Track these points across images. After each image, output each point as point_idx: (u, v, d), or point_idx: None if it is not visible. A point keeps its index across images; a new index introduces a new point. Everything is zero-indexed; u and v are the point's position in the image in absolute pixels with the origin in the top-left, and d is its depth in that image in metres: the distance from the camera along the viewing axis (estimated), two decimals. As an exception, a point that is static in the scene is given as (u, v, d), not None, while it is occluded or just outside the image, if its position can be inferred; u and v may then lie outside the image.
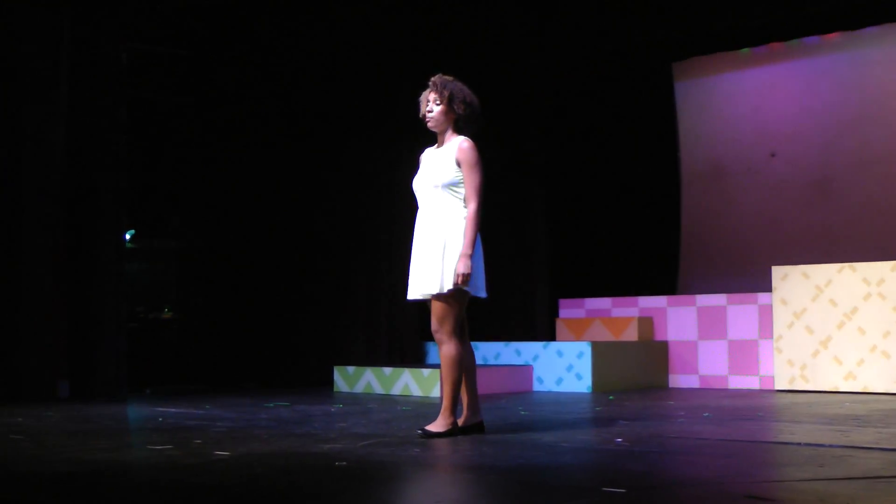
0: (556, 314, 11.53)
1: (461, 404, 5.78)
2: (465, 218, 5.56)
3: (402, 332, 10.78)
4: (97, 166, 9.12)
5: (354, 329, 10.67)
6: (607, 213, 12.23)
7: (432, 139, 5.86)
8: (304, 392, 9.41)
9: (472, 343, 10.37)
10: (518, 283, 11.77)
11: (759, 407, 7.77)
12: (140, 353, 10.28)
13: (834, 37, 11.07)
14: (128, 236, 10.52)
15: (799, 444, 5.22)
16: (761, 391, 9.61)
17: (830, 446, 5.05)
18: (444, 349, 5.57)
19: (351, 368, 9.82)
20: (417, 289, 5.60)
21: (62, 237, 8.85)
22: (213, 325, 10.99)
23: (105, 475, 4.26)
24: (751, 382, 9.98)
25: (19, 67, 8.72)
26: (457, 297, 5.53)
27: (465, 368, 5.68)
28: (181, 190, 11.29)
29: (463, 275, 5.45)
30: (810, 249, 10.51)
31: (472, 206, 5.56)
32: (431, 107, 5.69)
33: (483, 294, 5.63)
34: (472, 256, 5.50)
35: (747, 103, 11.54)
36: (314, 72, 10.78)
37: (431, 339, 10.78)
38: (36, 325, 8.62)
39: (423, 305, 5.85)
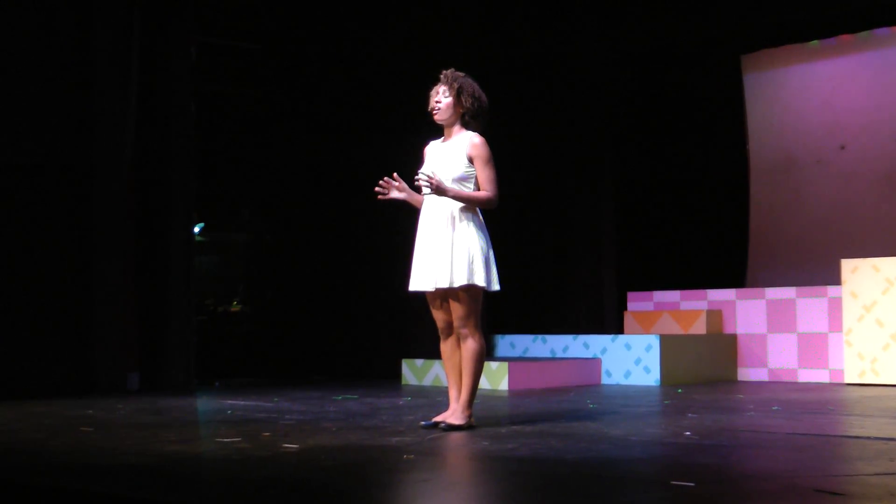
0: (624, 307, 11.47)
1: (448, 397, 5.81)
2: (471, 212, 5.60)
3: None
4: (167, 160, 9.21)
5: (423, 321, 10.68)
6: (676, 206, 12.14)
7: (438, 132, 5.86)
8: (373, 385, 9.42)
9: (542, 336, 10.50)
10: (586, 276, 11.71)
11: (828, 400, 7.69)
12: (209, 346, 10.38)
13: (904, 28, 10.88)
14: (197, 229, 10.63)
15: (869, 437, 5.16)
16: (831, 385, 9.49)
17: (902, 440, 4.99)
18: (469, 343, 5.59)
19: (420, 361, 9.85)
20: (428, 281, 5.60)
21: (133, 231, 8.96)
22: (281, 318, 11.06)
23: (174, 467, 4.30)
24: (820, 376, 9.86)
25: (91, 62, 8.81)
26: (472, 291, 5.55)
27: (461, 363, 5.71)
28: (250, 183, 11.37)
29: (437, 184, 5.45)
30: (880, 242, 10.35)
31: (489, 194, 5.60)
32: (440, 98, 5.70)
33: (497, 287, 5.62)
34: (457, 197, 5.52)
35: (817, 96, 11.39)
36: (385, 62, 10.79)
37: (500, 332, 10.84)
38: (107, 318, 8.72)
39: (432, 299, 5.80)
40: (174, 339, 9.08)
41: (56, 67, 8.70)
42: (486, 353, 10.52)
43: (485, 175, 5.60)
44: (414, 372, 9.85)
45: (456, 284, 5.50)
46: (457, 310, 5.57)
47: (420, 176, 5.53)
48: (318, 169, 11.00)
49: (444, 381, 9.51)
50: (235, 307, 11.79)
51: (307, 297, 10.93)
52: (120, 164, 8.87)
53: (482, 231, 5.63)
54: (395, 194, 5.79)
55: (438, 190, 5.47)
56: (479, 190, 5.64)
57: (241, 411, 6.80)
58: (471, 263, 5.50)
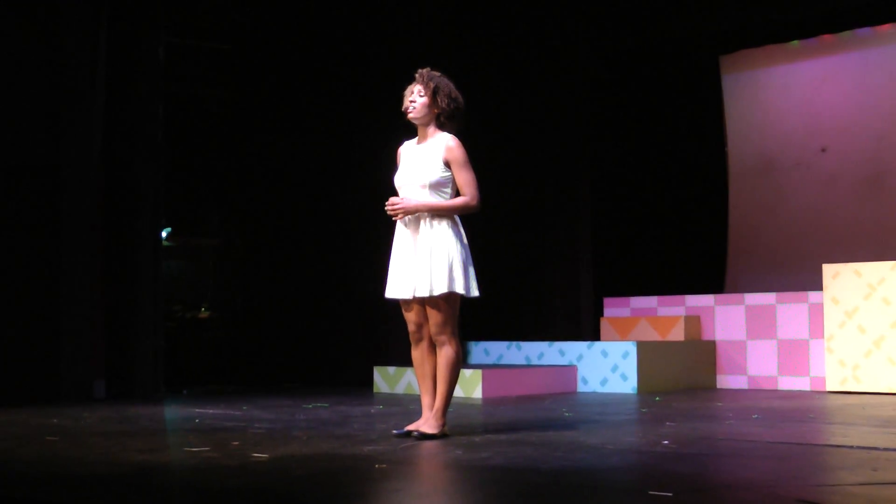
0: (600, 313, 11.42)
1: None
2: (451, 219, 5.53)
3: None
4: (134, 163, 9.15)
5: (395, 328, 10.60)
6: (653, 210, 12.13)
7: (413, 133, 5.77)
8: (344, 393, 9.39)
9: (516, 343, 10.42)
10: (562, 282, 11.67)
11: (810, 408, 7.66)
12: (177, 353, 10.32)
13: (886, 28, 10.90)
14: (165, 234, 10.55)
15: (852, 447, 5.11)
16: (812, 392, 9.46)
17: (885, 449, 4.95)
18: (445, 350, 5.54)
19: (392, 369, 9.76)
20: (407, 290, 5.53)
21: (99, 235, 8.89)
22: (251, 325, 11.00)
23: (142, 477, 4.27)
24: (801, 383, 9.80)
25: (57, 63, 8.75)
26: (451, 299, 5.49)
27: (433, 370, 5.67)
28: (219, 187, 11.30)
29: (406, 209, 5.39)
30: (862, 246, 10.33)
31: (468, 199, 5.51)
32: (415, 97, 5.63)
33: (476, 293, 5.56)
34: (434, 210, 5.43)
35: (797, 97, 11.39)
36: (359, 62, 10.70)
37: (473, 339, 10.75)
38: (73, 324, 8.68)
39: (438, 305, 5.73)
40: (141, 346, 9.03)
41: (22, 69, 8.66)
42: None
43: (462, 178, 5.53)
44: (386, 379, 9.75)
45: (436, 293, 5.44)
46: (435, 317, 5.52)
47: (387, 208, 5.46)
48: (289, 172, 10.93)
49: (416, 389, 9.40)
50: (204, 313, 11.73)
51: (277, 304, 10.86)
52: (87, 168, 8.83)
53: (460, 237, 5.57)
54: (406, 212, 5.59)
55: (413, 211, 5.40)
56: (457, 194, 5.56)
57: (210, 420, 6.76)
58: (450, 270, 5.45)
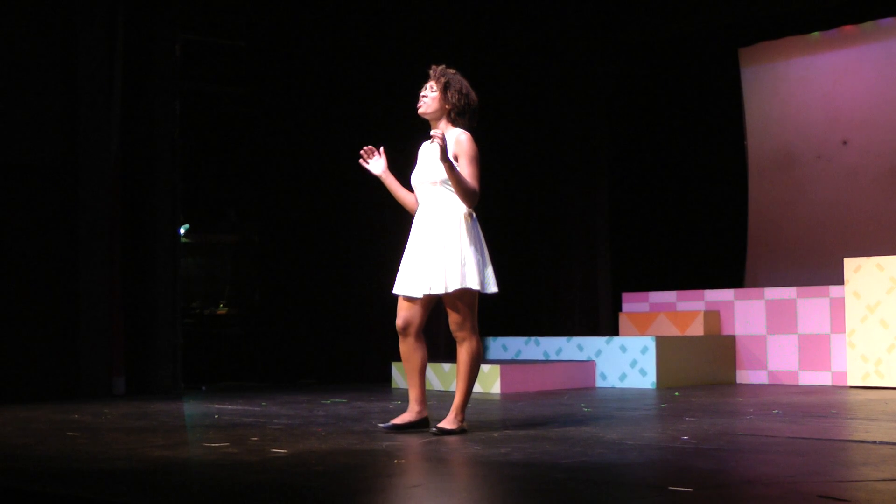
0: (619, 308, 11.37)
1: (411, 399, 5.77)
2: (464, 214, 5.51)
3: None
4: (152, 160, 9.16)
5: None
6: (672, 204, 12.07)
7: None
8: (362, 388, 9.38)
9: (535, 338, 10.39)
10: (580, 277, 11.64)
11: (831, 404, 7.60)
12: (196, 349, 10.33)
13: (910, 18, 10.76)
14: (183, 231, 10.56)
15: (875, 442, 5.08)
16: (833, 387, 9.38)
17: (910, 444, 4.90)
18: (466, 346, 5.56)
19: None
20: (419, 287, 5.53)
21: (118, 232, 8.90)
22: (269, 321, 10.99)
23: (162, 473, 4.29)
24: (822, 378, 9.73)
25: (73, 60, 8.75)
26: (467, 295, 5.49)
27: (421, 364, 5.73)
28: (237, 183, 11.30)
29: (442, 145, 5.31)
30: (884, 240, 10.25)
31: (474, 186, 5.50)
32: (427, 92, 5.65)
33: (493, 289, 5.57)
34: (450, 170, 5.39)
35: (818, 89, 11.28)
36: (376, 60, 10.68)
37: (491, 335, 10.73)
38: (92, 321, 8.67)
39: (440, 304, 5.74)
40: (160, 343, 9.03)
41: (39, 67, 8.66)
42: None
43: (467, 172, 5.51)
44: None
45: (450, 289, 5.44)
46: (452, 314, 5.53)
47: (434, 132, 5.38)
48: (306, 169, 10.91)
49: (435, 385, 9.40)
50: (222, 310, 11.74)
51: (295, 300, 10.85)
52: (104, 165, 8.83)
53: (476, 233, 5.57)
54: (373, 167, 5.80)
55: (442, 152, 5.32)
56: None
57: (229, 416, 6.77)
58: (463, 266, 5.44)
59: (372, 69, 10.69)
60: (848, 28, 11.10)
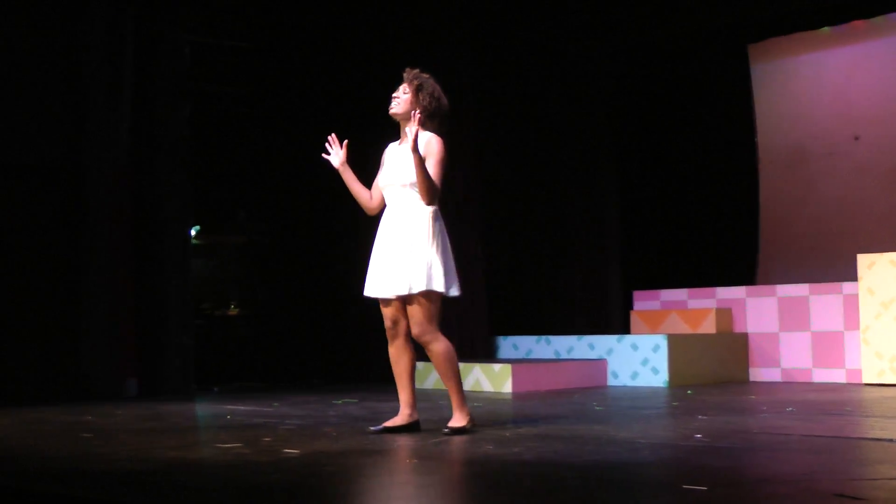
0: (630, 306, 11.35)
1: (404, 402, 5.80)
2: (431, 217, 5.51)
3: (472, 326, 10.66)
4: (161, 162, 9.16)
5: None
6: (682, 202, 12.03)
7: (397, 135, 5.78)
8: (373, 388, 9.34)
9: (545, 337, 10.37)
10: (590, 275, 11.61)
11: (845, 401, 7.56)
12: (207, 351, 10.34)
13: (921, 11, 10.71)
14: (193, 232, 10.56)
15: (891, 440, 5.04)
16: (848, 385, 9.33)
17: (926, 442, 4.88)
18: (434, 347, 5.56)
19: (421, 364, 9.69)
20: (385, 288, 5.55)
21: (128, 234, 8.90)
22: (279, 321, 10.98)
23: (175, 473, 4.31)
24: (836, 376, 9.70)
25: (82, 61, 8.77)
26: (432, 297, 5.48)
27: (409, 366, 5.78)
28: (246, 185, 11.31)
29: (416, 131, 5.36)
30: (898, 236, 10.20)
31: (438, 184, 5.53)
32: (399, 94, 5.69)
33: (456, 292, 5.57)
34: (418, 161, 5.40)
35: (828, 85, 11.23)
36: (381, 60, 10.68)
37: (502, 334, 10.71)
38: (103, 323, 8.70)
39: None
40: (172, 344, 9.07)
41: (47, 68, 8.69)
42: (489, 354, 10.44)
43: (433, 172, 5.51)
44: (416, 375, 9.70)
45: (415, 291, 5.45)
46: (416, 316, 5.53)
47: (409, 126, 5.43)
48: (314, 169, 10.86)
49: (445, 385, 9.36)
50: (233, 311, 11.75)
51: (305, 300, 10.85)
52: (112, 166, 8.85)
53: (442, 236, 5.56)
54: (333, 159, 5.89)
55: (414, 142, 5.35)
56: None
57: (241, 416, 6.79)
58: (429, 269, 5.45)
59: (380, 69, 10.68)
60: (858, 23, 11.04)
